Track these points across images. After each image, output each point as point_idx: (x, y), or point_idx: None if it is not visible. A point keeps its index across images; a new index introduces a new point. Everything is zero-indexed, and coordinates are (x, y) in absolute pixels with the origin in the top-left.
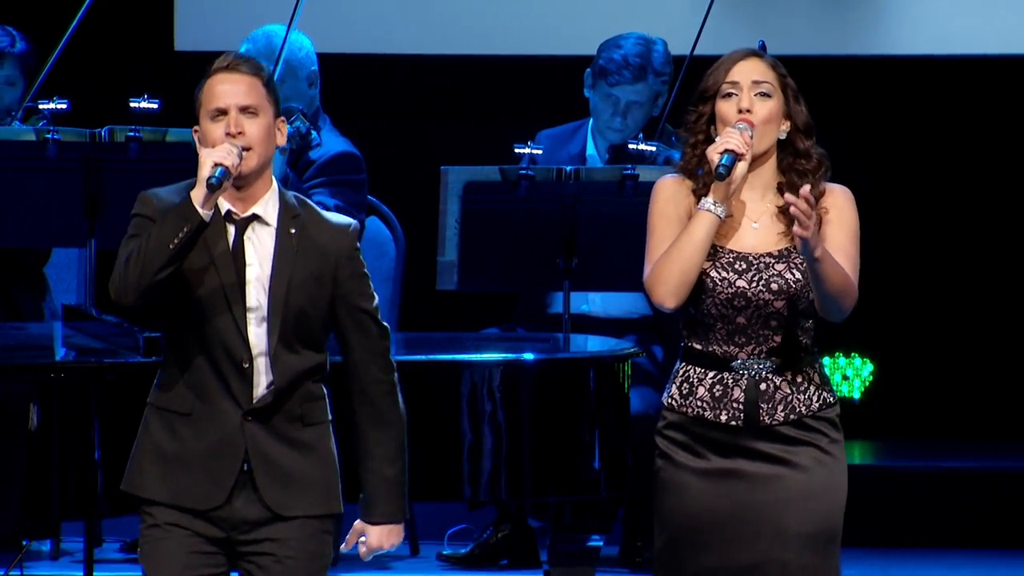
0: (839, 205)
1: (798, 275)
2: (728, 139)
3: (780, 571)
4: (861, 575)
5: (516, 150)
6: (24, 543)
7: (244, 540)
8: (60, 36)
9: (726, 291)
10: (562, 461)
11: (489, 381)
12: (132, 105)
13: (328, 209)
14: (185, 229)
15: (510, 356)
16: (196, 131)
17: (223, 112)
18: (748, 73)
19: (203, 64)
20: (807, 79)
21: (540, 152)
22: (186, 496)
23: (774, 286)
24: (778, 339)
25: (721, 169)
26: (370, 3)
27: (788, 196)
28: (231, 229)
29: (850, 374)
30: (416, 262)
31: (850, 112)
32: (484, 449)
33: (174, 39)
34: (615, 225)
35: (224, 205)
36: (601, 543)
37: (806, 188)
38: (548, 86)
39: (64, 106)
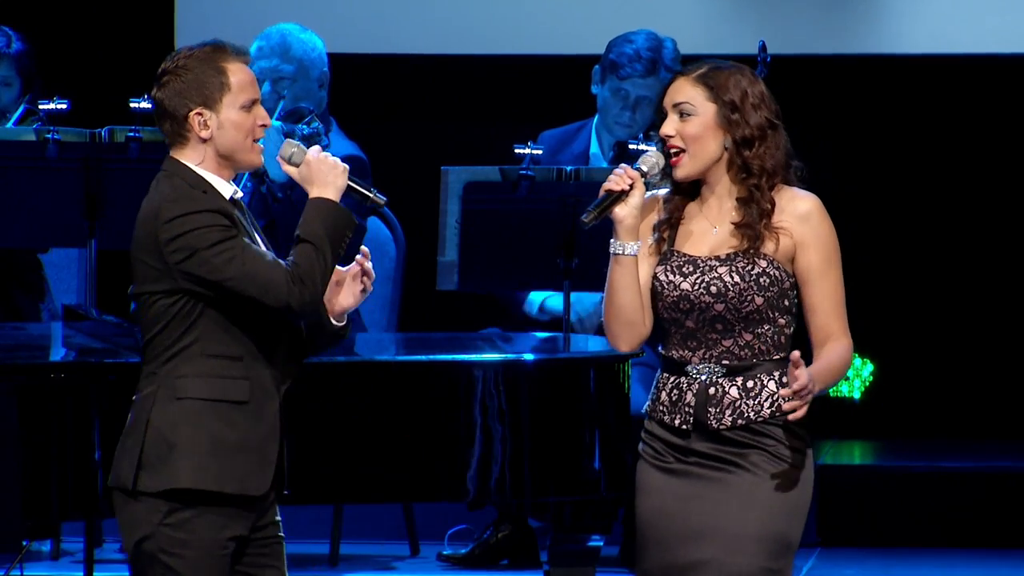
0: (814, 226)
1: (737, 279)
2: (609, 180)
3: (720, 571)
4: (861, 575)
5: (516, 150)
6: (24, 543)
7: (258, 527)
8: (59, 36)
9: (672, 294)
10: (562, 461)
11: (489, 381)
12: (132, 105)
13: None
14: (349, 236)
15: (510, 356)
16: (199, 114)
17: (254, 103)
18: (670, 97)
19: None
20: (807, 78)
21: (540, 152)
22: (255, 484)
23: (713, 289)
24: (727, 343)
25: (584, 216)
26: (371, 3)
27: (782, 394)
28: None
29: (850, 374)
30: (416, 262)
31: (850, 111)
32: (484, 449)
33: (174, 39)
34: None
35: (227, 190)
36: (601, 543)
37: (792, 389)
38: (548, 86)
39: (64, 106)
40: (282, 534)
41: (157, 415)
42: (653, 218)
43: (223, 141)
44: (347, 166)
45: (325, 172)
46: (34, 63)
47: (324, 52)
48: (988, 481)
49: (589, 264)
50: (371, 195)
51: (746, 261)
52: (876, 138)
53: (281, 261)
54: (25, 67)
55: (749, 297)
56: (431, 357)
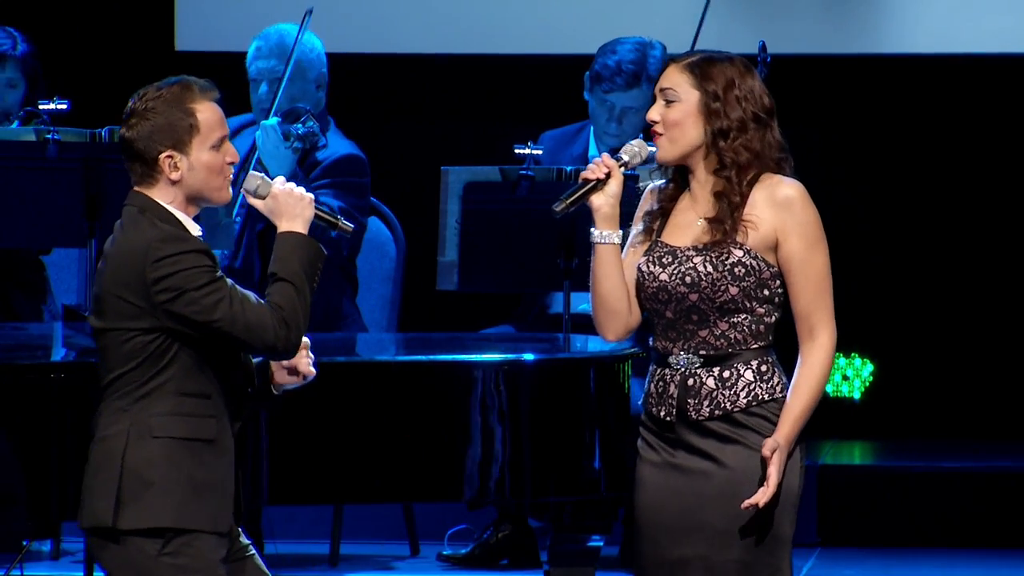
0: (795, 212)
1: (710, 269)
2: (587, 168)
3: (704, 567)
4: (861, 575)
5: (516, 150)
6: (24, 543)
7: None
8: (59, 36)
9: (652, 285)
10: (562, 461)
11: (489, 381)
12: None
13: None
14: (320, 268)
15: (510, 356)
16: (169, 156)
17: (223, 140)
18: (660, 83)
19: (203, 64)
20: (807, 78)
21: (540, 152)
22: (222, 521)
23: (688, 279)
24: (703, 334)
25: (555, 204)
26: (371, 3)
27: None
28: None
29: (850, 374)
30: (416, 262)
31: (851, 111)
32: (484, 449)
33: (174, 39)
34: None
35: (197, 230)
36: (601, 543)
37: (759, 497)
38: (548, 86)
39: (64, 106)
40: (248, 542)
41: (132, 455)
42: (647, 208)
43: (193, 182)
44: (312, 196)
45: (292, 204)
46: (39, 65)
47: (323, 53)
48: (988, 481)
49: (589, 264)
50: (339, 223)
51: (720, 251)
52: (876, 138)
53: (268, 299)
54: (30, 69)
55: (723, 287)
56: (431, 357)
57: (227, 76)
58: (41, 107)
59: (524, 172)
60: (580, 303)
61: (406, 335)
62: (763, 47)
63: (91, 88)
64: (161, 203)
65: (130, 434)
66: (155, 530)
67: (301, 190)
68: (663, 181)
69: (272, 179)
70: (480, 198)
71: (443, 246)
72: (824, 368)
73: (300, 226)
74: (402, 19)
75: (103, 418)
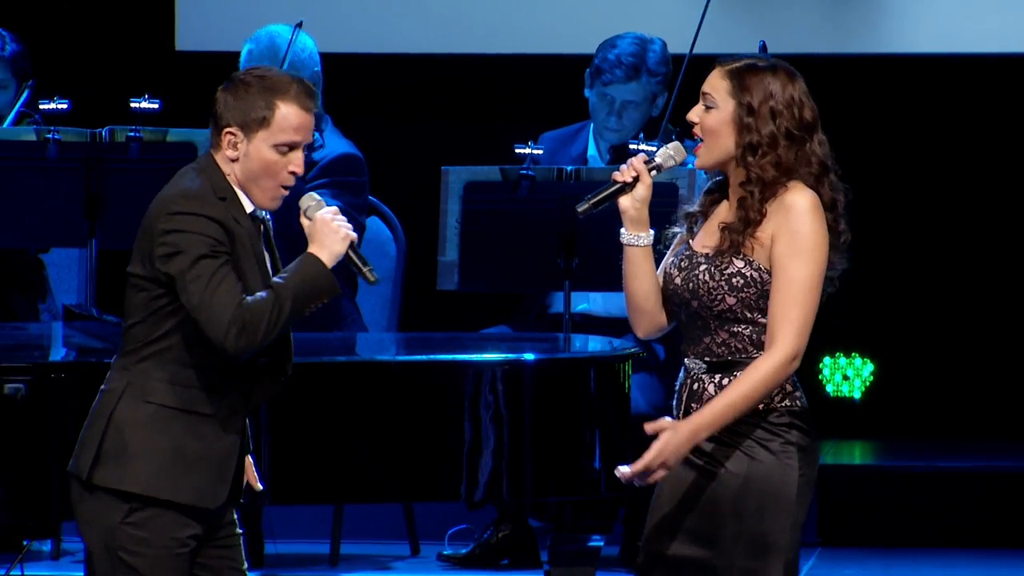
0: (791, 219)
1: (707, 278)
2: (618, 170)
3: (693, 568)
4: (861, 575)
5: (517, 150)
6: (24, 543)
7: (216, 527)
8: (59, 36)
9: (668, 288)
10: (562, 461)
11: (489, 381)
12: (133, 105)
13: None
14: (324, 301)
15: (510, 356)
16: (231, 132)
17: (291, 148)
18: (705, 85)
19: (203, 64)
20: (807, 78)
21: (541, 152)
22: (208, 497)
23: (691, 285)
24: (706, 340)
25: (579, 204)
26: (370, 3)
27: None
28: (258, 229)
29: (850, 374)
30: (416, 262)
31: (851, 110)
32: (485, 449)
33: (175, 39)
34: (615, 225)
35: (250, 205)
36: (601, 543)
37: (632, 469)
38: (548, 86)
39: (64, 106)
40: (240, 531)
41: (121, 413)
42: (690, 210)
43: (244, 169)
44: (354, 236)
45: (325, 235)
46: (29, 64)
47: (315, 52)
48: (988, 481)
49: (589, 264)
50: (365, 271)
51: (721, 260)
52: (876, 138)
53: (248, 298)
54: (20, 69)
55: (720, 296)
56: (431, 357)
57: (227, 76)
58: (41, 107)
59: (524, 172)
60: (580, 303)
61: (406, 335)
62: (763, 47)
63: (91, 88)
64: (223, 169)
65: (125, 393)
66: (124, 494)
67: (345, 227)
68: (713, 181)
69: (328, 205)
70: (480, 198)
71: (443, 246)
72: (760, 380)
73: (325, 256)
74: (402, 19)
75: (112, 371)
